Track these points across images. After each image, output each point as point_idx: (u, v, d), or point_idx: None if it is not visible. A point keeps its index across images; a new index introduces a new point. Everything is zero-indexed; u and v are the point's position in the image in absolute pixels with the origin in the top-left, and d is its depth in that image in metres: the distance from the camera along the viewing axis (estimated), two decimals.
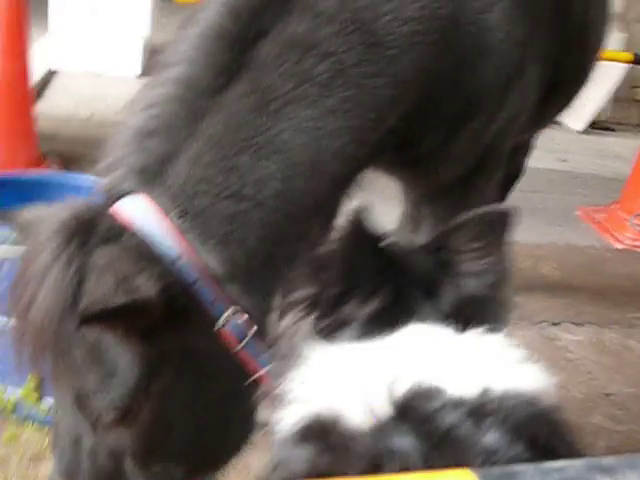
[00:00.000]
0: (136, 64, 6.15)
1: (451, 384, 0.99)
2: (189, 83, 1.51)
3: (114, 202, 1.46)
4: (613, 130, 6.86)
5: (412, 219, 2.18)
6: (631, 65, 5.76)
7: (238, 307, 1.47)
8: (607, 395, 2.98)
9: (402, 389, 0.96)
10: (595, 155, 6.17)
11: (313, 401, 1.01)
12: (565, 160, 5.96)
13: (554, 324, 3.43)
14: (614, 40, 6.51)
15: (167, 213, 1.44)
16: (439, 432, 0.92)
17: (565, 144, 6.25)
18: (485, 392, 0.99)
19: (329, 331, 1.12)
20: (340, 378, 1.02)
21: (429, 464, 0.88)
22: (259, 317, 1.49)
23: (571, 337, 3.35)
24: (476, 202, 1.87)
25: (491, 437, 0.94)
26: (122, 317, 1.35)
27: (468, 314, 1.14)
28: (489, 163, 2.08)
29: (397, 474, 0.71)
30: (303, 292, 1.16)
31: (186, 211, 1.45)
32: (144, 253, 1.40)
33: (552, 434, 1.01)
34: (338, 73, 1.54)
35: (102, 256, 1.36)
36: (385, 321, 1.11)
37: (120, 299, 1.30)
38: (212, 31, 1.53)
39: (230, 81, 1.50)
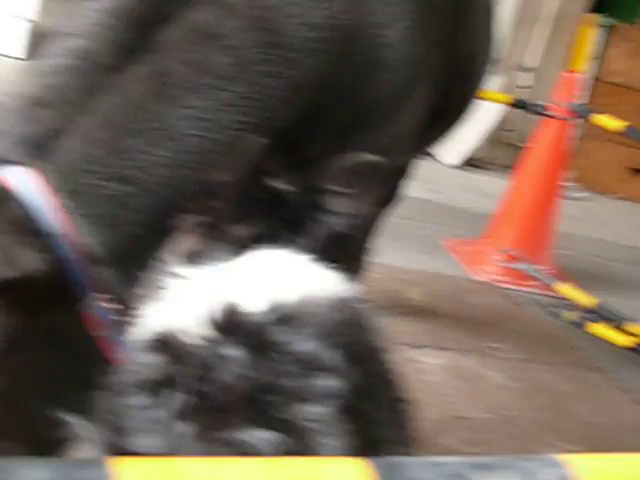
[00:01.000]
0: (21, 47, 5.97)
1: (271, 300, 1.15)
2: (88, 57, 1.48)
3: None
4: (483, 168, 7.15)
5: None
6: (508, 108, 6.02)
7: (110, 294, 1.47)
8: (460, 419, 3.10)
9: (230, 307, 1.14)
10: (466, 190, 6.41)
11: (160, 318, 1.18)
12: (436, 192, 6.16)
13: (415, 347, 3.54)
14: (494, 82, 6.81)
15: (53, 189, 1.42)
16: (261, 342, 1.09)
17: (437, 177, 6.46)
18: (300, 304, 1.16)
19: (216, 250, 1.29)
20: (187, 298, 1.20)
21: (254, 368, 1.07)
22: (130, 305, 1.48)
23: (431, 361, 3.47)
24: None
25: (306, 344, 1.11)
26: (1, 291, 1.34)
27: (330, 250, 1.31)
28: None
29: (287, 458, 0.74)
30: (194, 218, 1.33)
31: (71, 189, 1.43)
32: (27, 227, 1.38)
33: (362, 339, 1.21)
34: (236, 68, 1.54)
35: None
36: (263, 246, 1.29)
37: (2, 273, 1.29)
38: (116, 8, 1.50)
39: (131, 61, 1.49)
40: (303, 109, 1.75)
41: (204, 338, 1.12)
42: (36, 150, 1.43)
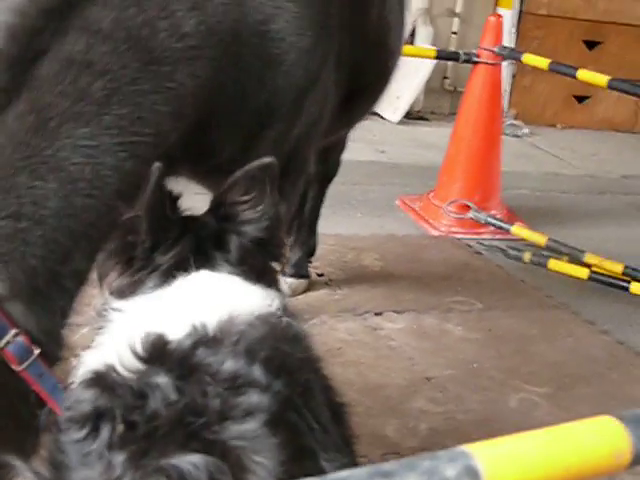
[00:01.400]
0: None
1: (194, 323, 1.21)
2: None
3: None
4: (427, 120, 7.14)
5: None
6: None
7: (19, 329, 1.50)
8: (428, 379, 3.12)
9: (154, 337, 1.19)
10: (411, 145, 6.40)
11: (97, 355, 1.24)
12: (383, 151, 6.16)
13: (376, 314, 3.56)
14: (422, 34, 6.79)
15: None
16: (185, 367, 1.15)
17: (382, 136, 6.45)
18: (221, 324, 1.22)
19: (143, 279, 1.35)
20: (117, 332, 1.26)
21: (181, 393, 1.11)
22: (44, 337, 1.53)
23: (392, 325, 3.49)
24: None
25: (229, 363, 1.16)
26: None
27: (250, 258, 1.39)
28: (293, 169, 2.15)
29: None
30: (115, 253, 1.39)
31: None
32: None
33: (286, 352, 1.24)
34: (114, 91, 1.58)
35: None
36: (188, 264, 1.35)
37: None
38: None
39: (9, 101, 1.51)
40: (197, 117, 1.75)
41: (131, 370, 1.16)
42: None
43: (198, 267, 1.36)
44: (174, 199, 1.44)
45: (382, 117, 6.81)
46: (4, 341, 1.49)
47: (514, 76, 7.21)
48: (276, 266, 1.48)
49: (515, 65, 6.89)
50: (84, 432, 1.09)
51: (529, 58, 4.49)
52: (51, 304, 1.56)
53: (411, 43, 6.40)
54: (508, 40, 5.96)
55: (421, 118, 7.15)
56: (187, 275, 1.34)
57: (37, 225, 1.51)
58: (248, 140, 1.93)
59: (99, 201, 1.58)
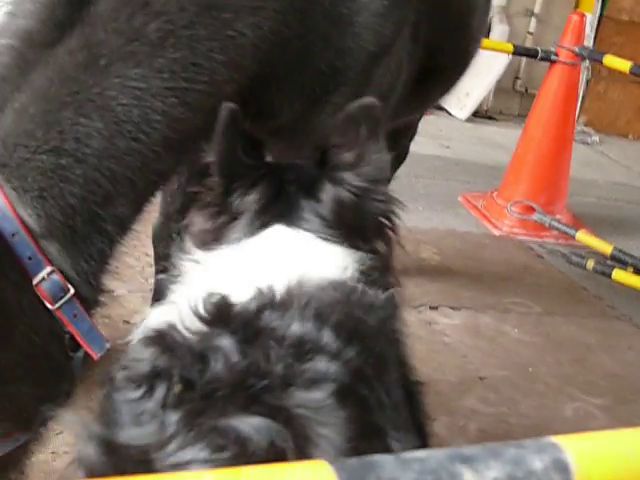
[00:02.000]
0: None
1: (263, 286, 1.13)
2: (25, 36, 1.50)
3: None
4: (495, 119, 7.01)
5: None
6: (512, 56, 5.88)
7: (54, 267, 1.46)
8: (481, 378, 3.03)
9: (216, 298, 1.13)
10: (477, 143, 6.29)
11: (161, 310, 1.20)
12: (448, 147, 6.05)
13: (432, 308, 3.48)
14: (497, 32, 6.66)
15: None
16: (249, 330, 1.08)
17: (448, 131, 6.35)
18: (289, 287, 1.14)
19: (223, 227, 1.27)
20: (190, 284, 1.21)
21: (244, 356, 1.04)
22: (80, 279, 1.50)
23: (448, 321, 3.40)
24: None
25: (296, 327, 1.07)
26: None
27: (344, 212, 1.26)
28: None
29: (247, 467, 0.67)
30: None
31: (4, 163, 1.44)
32: None
33: (359, 319, 1.14)
34: (169, 33, 1.52)
35: None
36: (271, 214, 1.25)
37: None
38: None
39: (64, 35, 1.49)
40: (257, 70, 1.68)
41: (193, 331, 1.10)
42: None
43: (279, 217, 1.26)
44: (253, 143, 1.35)
45: (449, 113, 6.70)
46: (39, 277, 1.45)
47: (588, 82, 7.04)
48: (384, 222, 1.33)
49: (589, 71, 6.72)
50: (140, 392, 1.04)
51: (610, 60, 4.34)
52: (88, 246, 1.51)
53: None
54: (585, 44, 5.81)
55: (489, 117, 7.02)
56: (267, 227, 1.26)
57: (78, 163, 1.47)
58: (311, 104, 1.86)
59: (145, 146, 1.53)
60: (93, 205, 1.50)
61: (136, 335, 1.20)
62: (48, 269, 1.46)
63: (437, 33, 2.24)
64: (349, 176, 1.29)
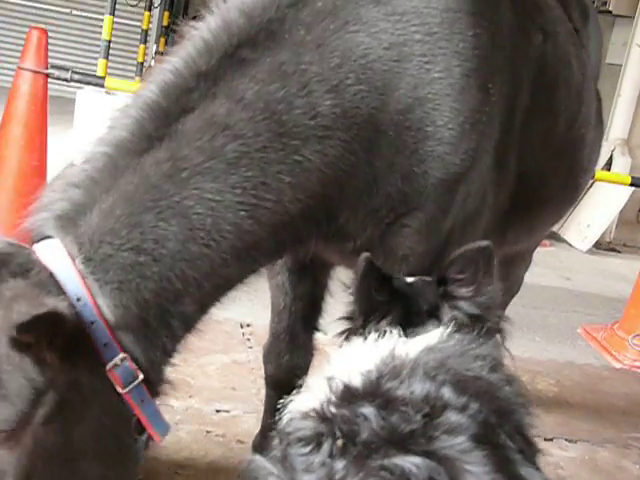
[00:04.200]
0: None
1: (378, 362, 1.34)
2: (117, 145, 1.69)
3: (32, 242, 1.65)
4: (618, 251, 6.92)
5: None
6: (637, 188, 5.85)
7: (126, 354, 1.61)
8: None
9: (363, 377, 1.31)
10: (599, 275, 6.21)
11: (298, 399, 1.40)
12: (569, 279, 6.00)
13: (547, 440, 3.40)
14: (617, 165, 6.66)
15: (74, 258, 1.61)
16: (387, 400, 1.25)
17: (569, 263, 6.31)
18: (399, 358, 1.34)
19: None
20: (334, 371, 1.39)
21: (384, 418, 1.21)
22: (147, 366, 1.64)
23: (564, 454, 3.32)
24: None
25: (416, 387, 1.25)
26: (32, 331, 1.46)
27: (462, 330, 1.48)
28: None
29: None
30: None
31: (90, 257, 1.62)
32: (49, 288, 1.55)
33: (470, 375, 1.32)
34: (244, 154, 1.70)
35: (10, 288, 1.51)
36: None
37: (31, 313, 1.42)
38: (143, 104, 1.72)
39: (151, 147, 1.68)
40: (325, 192, 1.82)
41: (338, 405, 1.28)
42: (63, 224, 1.63)
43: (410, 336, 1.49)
44: (384, 279, 1.58)
45: (570, 245, 6.67)
46: (112, 363, 1.59)
47: None
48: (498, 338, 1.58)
49: None
50: (309, 448, 1.22)
51: None
52: (157, 338, 1.66)
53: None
54: None
55: (612, 249, 6.94)
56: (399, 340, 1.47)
57: (154, 262, 1.64)
58: (385, 227, 1.93)
59: (214, 252, 1.69)
60: (164, 301, 1.66)
61: (285, 415, 1.39)
62: (121, 355, 1.60)
63: (534, 164, 2.28)
64: (465, 304, 1.57)
